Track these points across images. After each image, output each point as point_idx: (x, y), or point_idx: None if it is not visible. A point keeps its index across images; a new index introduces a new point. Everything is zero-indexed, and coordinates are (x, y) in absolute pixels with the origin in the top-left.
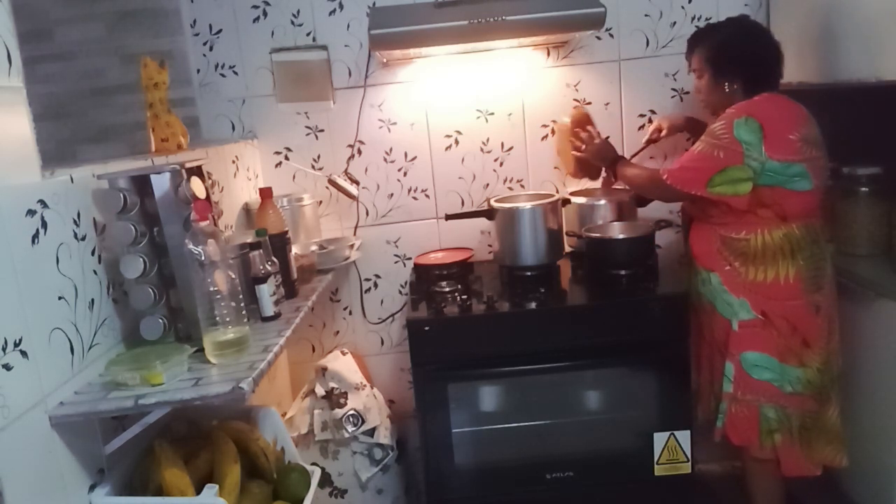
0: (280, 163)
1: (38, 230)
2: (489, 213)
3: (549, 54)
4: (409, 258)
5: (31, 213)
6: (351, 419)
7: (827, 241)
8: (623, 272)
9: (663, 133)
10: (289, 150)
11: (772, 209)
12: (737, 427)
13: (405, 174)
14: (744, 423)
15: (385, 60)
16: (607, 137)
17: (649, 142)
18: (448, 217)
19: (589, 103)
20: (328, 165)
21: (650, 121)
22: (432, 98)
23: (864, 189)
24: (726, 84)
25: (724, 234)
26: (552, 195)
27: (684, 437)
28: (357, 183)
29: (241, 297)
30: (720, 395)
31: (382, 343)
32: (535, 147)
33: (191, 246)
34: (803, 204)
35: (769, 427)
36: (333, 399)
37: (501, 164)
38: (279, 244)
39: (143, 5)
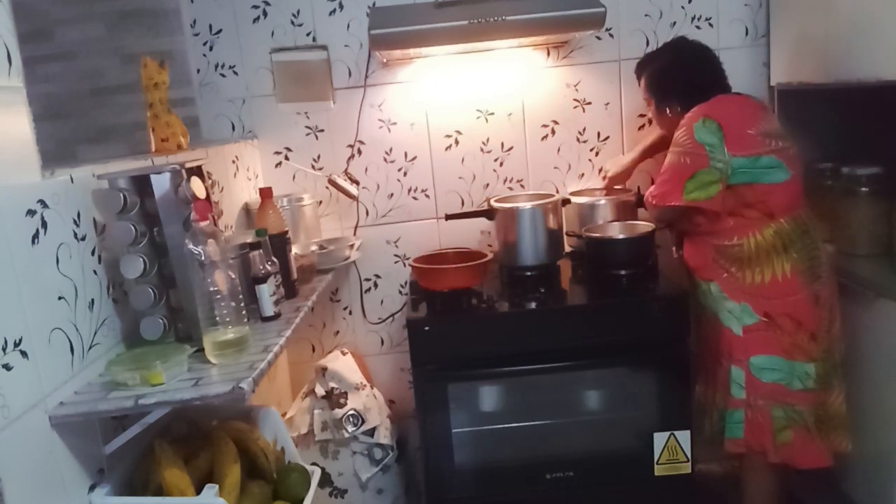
0: (280, 163)
1: (38, 230)
2: (489, 213)
3: (549, 54)
4: (409, 258)
5: (31, 213)
6: (351, 419)
7: (817, 231)
8: (623, 272)
9: (619, 186)
10: (289, 150)
11: (757, 208)
12: (754, 433)
13: (405, 174)
14: (759, 430)
15: (385, 60)
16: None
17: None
18: (448, 217)
19: (589, 103)
20: (328, 165)
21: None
22: (432, 98)
23: (864, 189)
24: (668, 109)
25: (717, 244)
26: (552, 195)
27: (684, 437)
28: (357, 183)
29: (241, 297)
30: (725, 404)
31: (382, 343)
32: (535, 147)
33: (191, 246)
34: (785, 196)
35: (779, 426)
36: (333, 399)
37: (501, 164)
38: (279, 244)
39: (143, 5)
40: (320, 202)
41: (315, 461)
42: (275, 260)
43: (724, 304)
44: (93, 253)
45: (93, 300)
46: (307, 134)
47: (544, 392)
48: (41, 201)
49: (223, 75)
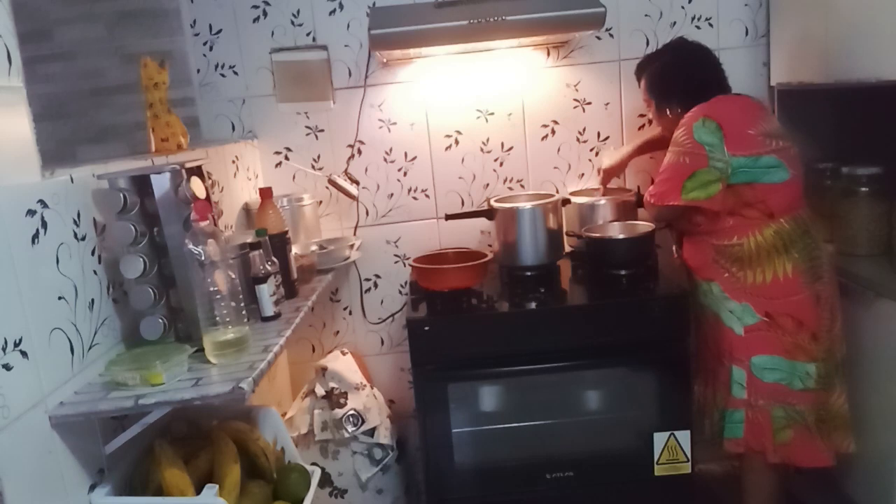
0: (280, 163)
1: (38, 230)
2: (489, 213)
3: (549, 54)
4: (409, 258)
5: (31, 213)
6: (351, 419)
7: (818, 231)
8: (623, 272)
9: (609, 184)
10: (289, 150)
11: (757, 208)
12: (754, 433)
13: (405, 174)
14: (759, 429)
15: (385, 60)
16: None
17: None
18: (448, 217)
19: (589, 103)
20: (328, 165)
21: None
22: (432, 98)
23: (864, 189)
24: (668, 110)
25: (716, 244)
26: (552, 195)
27: (684, 437)
28: (357, 183)
29: (241, 297)
30: (726, 404)
31: (382, 343)
32: (535, 147)
33: (191, 246)
34: (786, 196)
35: (779, 426)
36: (333, 399)
37: (501, 164)
38: (279, 244)
39: (143, 5)
40: (320, 202)
41: (315, 461)
42: (275, 260)
43: (726, 304)
44: (93, 253)
45: (93, 300)
46: (307, 134)
47: (544, 392)
48: (41, 201)
49: (223, 75)
